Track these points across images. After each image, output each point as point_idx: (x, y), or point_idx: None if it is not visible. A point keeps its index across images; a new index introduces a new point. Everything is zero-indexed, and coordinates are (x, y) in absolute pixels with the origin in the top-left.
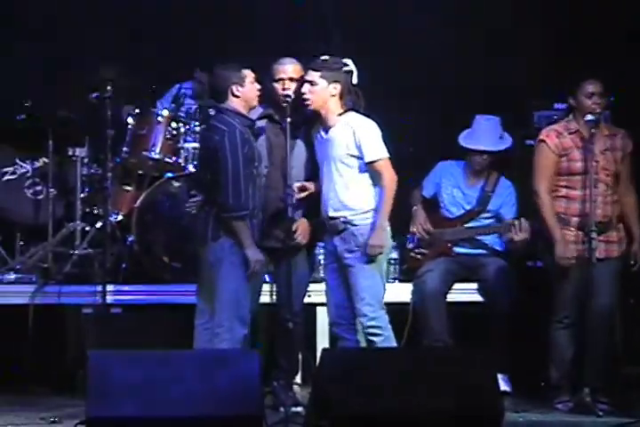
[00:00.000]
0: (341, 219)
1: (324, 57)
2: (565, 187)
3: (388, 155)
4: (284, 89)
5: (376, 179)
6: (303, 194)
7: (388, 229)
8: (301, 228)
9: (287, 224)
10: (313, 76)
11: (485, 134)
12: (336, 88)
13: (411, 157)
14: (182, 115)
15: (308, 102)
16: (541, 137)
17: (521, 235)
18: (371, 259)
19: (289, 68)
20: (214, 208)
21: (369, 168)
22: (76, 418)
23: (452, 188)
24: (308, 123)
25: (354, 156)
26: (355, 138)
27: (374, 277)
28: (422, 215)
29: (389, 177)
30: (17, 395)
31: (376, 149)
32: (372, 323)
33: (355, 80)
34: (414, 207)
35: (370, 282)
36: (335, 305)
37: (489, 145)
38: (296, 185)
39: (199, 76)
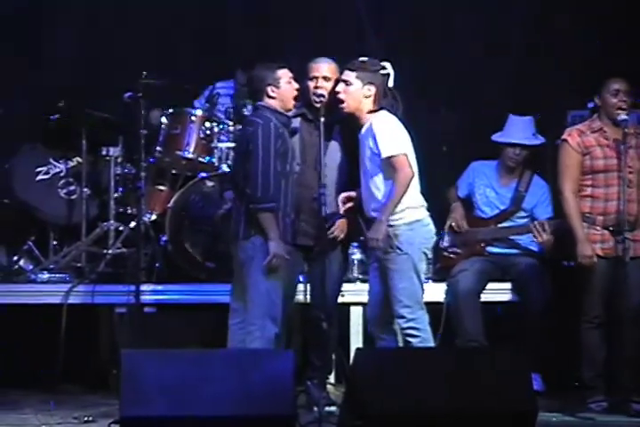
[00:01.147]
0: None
1: (362, 58)
2: (591, 186)
3: (404, 151)
4: (316, 87)
5: (390, 174)
6: (349, 204)
7: (431, 226)
8: (339, 222)
9: (320, 223)
10: (349, 75)
11: (518, 130)
12: (370, 90)
13: (444, 157)
14: (217, 114)
15: (342, 102)
16: (564, 136)
17: (544, 236)
18: (407, 260)
19: (323, 67)
20: (245, 205)
21: (384, 164)
22: (110, 417)
23: (484, 188)
24: (341, 123)
25: (375, 153)
26: (372, 134)
27: (411, 278)
28: (460, 211)
29: (404, 174)
30: (51, 394)
31: (391, 146)
32: (410, 324)
33: (391, 83)
34: (454, 203)
35: (406, 283)
36: (374, 305)
37: (522, 139)
38: (341, 197)
39: (240, 78)
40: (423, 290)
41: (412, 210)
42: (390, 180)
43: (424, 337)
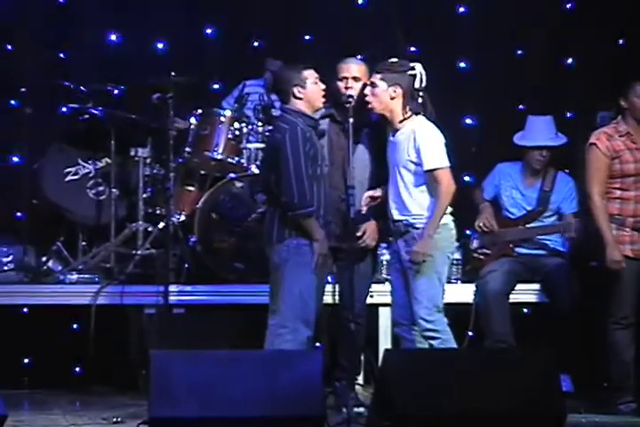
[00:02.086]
0: (404, 222)
1: (391, 59)
2: (619, 189)
3: (447, 164)
4: (346, 88)
5: (432, 187)
6: (373, 203)
7: (454, 231)
8: (370, 230)
9: (349, 224)
10: (375, 77)
11: (540, 131)
12: (396, 91)
13: (473, 158)
14: (246, 113)
15: (370, 104)
16: (592, 140)
17: (573, 234)
18: (431, 262)
19: (353, 68)
20: (279, 208)
21: (427, 176)
22: (139, 418)
23: (510, 189)
24: (370, 125)
25: (414, 162)
26: (415, 144)
27: (432, 280)
28: (489, 211)
29: (446, 187)
30: (80, 395)
31: (435, 158)
32: (429, 326)
33: (418, 84)
34: (483, 204)
35: (427, 285)
36: (397, 305)
37: (547, 140)
38: (365, 196)
39: (270, 65)
40: (444, 293)
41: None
42: (426, 189)
43: (444, 339)
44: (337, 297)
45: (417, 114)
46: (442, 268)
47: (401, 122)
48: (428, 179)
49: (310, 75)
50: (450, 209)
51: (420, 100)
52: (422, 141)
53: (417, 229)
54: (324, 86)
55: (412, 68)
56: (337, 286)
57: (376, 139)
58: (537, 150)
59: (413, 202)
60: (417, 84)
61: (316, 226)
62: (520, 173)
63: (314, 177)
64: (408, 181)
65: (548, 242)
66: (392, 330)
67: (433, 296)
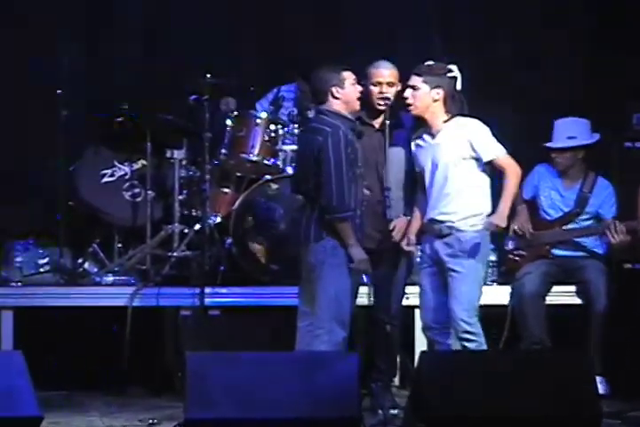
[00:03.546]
0: (447, 223)
1: (428, 62)
2: None
3: (505, 150)
4: (381, 92)
5: (500, 175)
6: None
7: (488, 236)
8: (399, 226)
9: (384, 226)
10: (416, 80)
11: (558, 134)
12: (439, 93)
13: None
14: (281, 117)
15: (410, 107)
16: None
17: (619, 237)
18: (474, 265)
19: (386, 72)
20: (316, 210)
21: (488, 169)
22: (175, 420)
23: (549, 190)
24: (402, 128)
25: (469, 158)
26: (470, 142)
27: (474, 283)
28: (525, 214)
29: (513, 168)
30: (115, 397)
31: (493, 148)
32: (468, 328)
33: (459, 86)
34: (519, 206)
35: (469, 288)
36: (430, 309)
37: (556, 142)
38: (393, 224)
39: (299, 84)
40: (481, 297)
41: (483, 217)
42: (480, 186)
43: (480, 342)
44: (372, 299)
45: (456, 115)
46: (482, 271)
47: (443, 123)
48: (489, 170)
49: (348, 76)
50: (488, 211)
51: (458, 101)
52: (476, 136)
53: (461, 231)
54: (360, 88)
55: (451, 71)
56: (372, 288)
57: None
58: (552, 153)
59: (460, 203)
60: (458, 87)
61: (351, 231)
62: (559, 174)
63: (353, 179)
64: (457, 181)
65: (585, 244)
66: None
67: (473, 299)
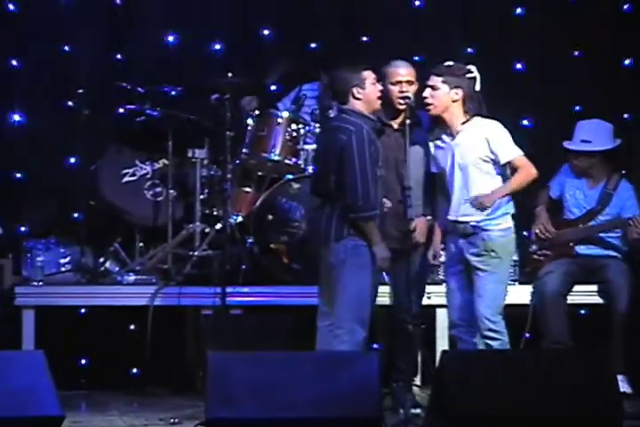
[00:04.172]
0: (471, 223)
1: (448, 62)
2: None
3: (522, 152)
4: (401, 91)
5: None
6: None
7: (513, 235)
8: (420, 226)
9: (405, 225)
10: (435, 81)
11: (575, 137)
12: (458, 94)
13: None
14: (303, 116)
15: (429, 107)
16: None
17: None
18: (500, 264)
19: (404, 71)
20: (336, 209)
21: (503, 170)
22: (196, 419)
23: (574, 189)
24: (418, 127)
25: (487, 160)
26: (488, 142)
27: (499, 282)
28: (545, 216)
29: (526, 170)
30: (136, 396)
31: (510, 149)
32: (492, 327)
33: (477, 87)
34: (537, 208)
35: (494, 287)
36: (456, 307)
37: (571, 144)
38: (414, 224)
39: (324, 80)
40: (506, 296)
41: (508, 217)
42: (498, 186)
43: (504, 340)
44: (393, 298)
45: (475, 115)
46: (508, 270)
47: (462, 124)
48: (505, 172)
49: (369, 75)
50: (512, 211)
51: (476, 102)
52: (494, 137)
53: (485, 230)
54: (381, 87)
55: (470, 71)
56: (391, 287)
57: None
58: (570, 154)
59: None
60: (477, 87)
61: (376, 230)
62: (582, 174)
63: (375, 179)
64: (479, 181)
65: (608, 241)
66: (449, 332)
67: (497, 297)
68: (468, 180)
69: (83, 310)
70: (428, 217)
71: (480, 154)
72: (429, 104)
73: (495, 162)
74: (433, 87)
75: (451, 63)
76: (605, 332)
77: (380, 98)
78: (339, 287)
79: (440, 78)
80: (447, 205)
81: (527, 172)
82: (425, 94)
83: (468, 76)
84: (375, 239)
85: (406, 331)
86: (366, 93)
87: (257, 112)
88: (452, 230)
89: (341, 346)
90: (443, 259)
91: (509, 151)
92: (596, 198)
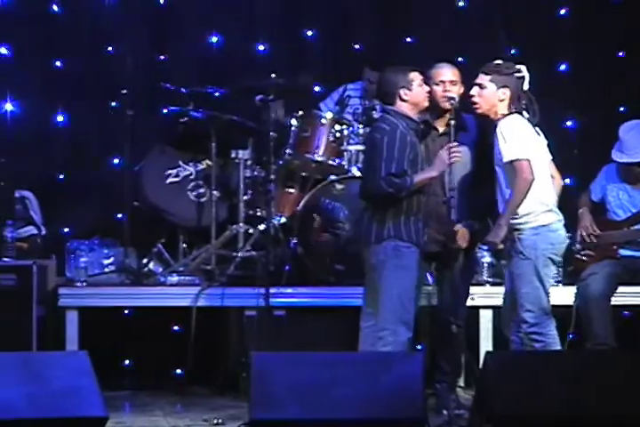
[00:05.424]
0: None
1: (497, 61)
2: None
3: (526, 157)
4: (445, 91)
5: (512, 179)
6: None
7: (561, 232)
8: (461, 232)
9: (449, 228)
10: (483, 79)
11: (629, 144)
12: (505, 93)
13: (574, 160)
14: (346, 117)
15: (475, 106)
16: None
17: None
18: (529, 264)
19: (448, 72)
20: (377, 210)
21: (507, 168)
22: (239, 420)
23: (617, 190)
24: (463, 130)
25: (499, 158)
26: (496, 138)
27: (533, 283)
28: (588, 218)
29: (523, 179)
30: (180, 396)
31: (513, 150)
32: (532, 329)
33: (526, 86)
34: (580, 210)
35: (528, 288)
36: (506, 308)
37: (633, 156)
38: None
39: (368, 75)
40: (548, 296)
41: (540, 214)
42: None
43: (548, 342)
44: (437, 299)
45: (514, 113)
46: (543, 270)
47: (498, 122)
48: (508, 171)
49: (416, 77)
50: (554, 209)
51: (527, 102)
52: (504, 134)
53: (517, 230)
54: (428, 89)
55: (519, 71)
56: (436, 288)
57: (477, 140)
58: (627, 166)
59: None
60: (525, 87)
61: (416, 178)
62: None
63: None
64: (500, 178)
65: None
66: (494, 332)
67: (535, 299)
68: (498, 180)
69: (126, 311)
70: (470, 223)
71: (498, 152)
72: (476, 103)
73: (502, 160)
74: (480, 86)
75: (499, 62)
76: None
77: (427, 100)
78: (381, 288)
79: (488, 77)
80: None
81: (523, 181)
82: (472, 92)
83: (517, 75)
84: (424, 175)
85: (450, 332)
86: (413, 95)
87: (300, 113)
88: None
89: (385, 348)
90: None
91: (512, 151)
92: None
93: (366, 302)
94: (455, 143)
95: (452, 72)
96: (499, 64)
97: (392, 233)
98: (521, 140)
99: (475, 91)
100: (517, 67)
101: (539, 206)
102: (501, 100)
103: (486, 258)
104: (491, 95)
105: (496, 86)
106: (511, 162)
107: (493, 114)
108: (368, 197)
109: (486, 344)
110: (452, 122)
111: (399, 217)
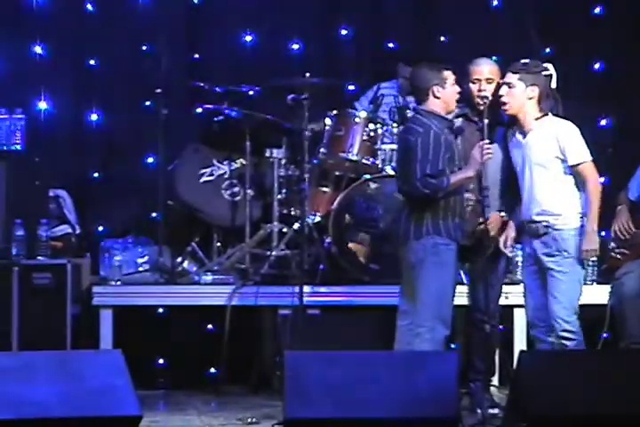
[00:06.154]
0: (543, 223)
1: (524, 60)
2: None
3: (591, 158)
4: (479, 90)
5: (580, 182)
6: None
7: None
8: (493, 219)
9: (483, 225)
10: (511, 78)
11: None
12: (534, 91)
13: (609, 159)
14: (381, 116)
15: (505, 105)
16: None
17: None
18: (573, 263)
19: (485, 69)
20: (415, 208)
21: (573, 171)
22: (274, 419)
23: None
24: (503, 125)
25: (558, 159)
26: (558, 141)
27: (573, 281)
28: (625, 215)
29: (594, 180)
30: (214, 395)
31: (580, 152)
32: (567, 327)
33: (554, 84)
34: (619, 207)
35: (568, 286)
36: (533, 307)
37: None
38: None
39: (403, 71)
40: (581, 295)
41: (577, 215)
42: (573, 185)
43: (579, 340)
44: (470, 298)
45: (548, 113)
46: (581, 269)
47: (535, 122)
48: (573, 174)
49: (449, 75)
50: (580, 209)
51: (553, 100)
52: (566, 138)
53: (557, 230)
54: (459, 89)
55: (546, 69)
56: (469, 287)
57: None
58: None
59: (555, 202)
60: (552, 85)
61: (453, 178)
62: None
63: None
64: (549, 180)
65: None
66: (527, 332)
67: (572, 297)
68: (538, 179)
69: (160, 310)
70: (502, 213)
71: (550, 154)
72: (505, 103)
73: (564, 162)
74: (509, 85)
75: (527, 60)
76: None
77: (457, 101)
78: (419, 286)
79: (516, 76)
80: (520, 204)
81: (595, 184)
82: (501, 92)
83: (545, 73)
84: (460, 175)
85: (483, 331)
86: (445, 93)
87: (335, 112)
88: (525, 231)
89: (423, 345)
90: (510, 252)
91: (580, 153)
92: None
93: (403, 300)
94: (487, 141)
95: (490, 69)
96: (526, 63)
97: (430, 230)
98: (582, 142)
99: (504, 90)
100: (545, 65)
101: (578, 207)
102: (530, 99)
103: (520, 257)
104: (520, 94)
105: (525, 85)
106: (579, 164)
107: (523, 113)
108: (406, 196)
109: (520, 343)
110: (486, 120)
111: (437, 214)
